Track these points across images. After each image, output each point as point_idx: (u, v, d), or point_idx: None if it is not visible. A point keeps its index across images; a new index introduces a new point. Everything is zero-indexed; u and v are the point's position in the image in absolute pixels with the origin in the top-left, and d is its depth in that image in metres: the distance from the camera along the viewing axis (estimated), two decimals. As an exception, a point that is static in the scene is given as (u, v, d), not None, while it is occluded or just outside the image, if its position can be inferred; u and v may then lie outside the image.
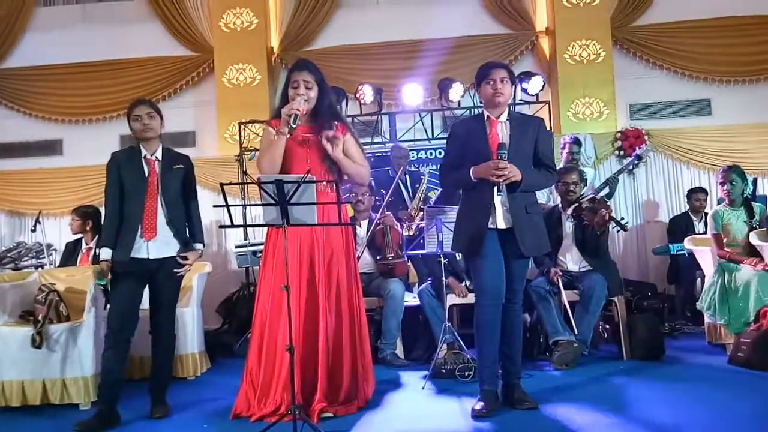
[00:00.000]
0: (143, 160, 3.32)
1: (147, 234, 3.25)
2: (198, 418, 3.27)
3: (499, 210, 3.09)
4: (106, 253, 3.26)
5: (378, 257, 4.62)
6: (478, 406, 3.04)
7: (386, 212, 4.66)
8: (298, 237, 3.18)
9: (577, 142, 5.58)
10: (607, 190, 5.32)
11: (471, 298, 3.87)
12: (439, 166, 3.56)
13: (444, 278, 4.07)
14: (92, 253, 5.00)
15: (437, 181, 4.55)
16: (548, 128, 5.87)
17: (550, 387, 3.50)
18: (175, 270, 3.31)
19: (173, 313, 3.42)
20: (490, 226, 3.09)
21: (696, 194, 5.80)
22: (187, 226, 3.42)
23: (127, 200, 3.29)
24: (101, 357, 3.33)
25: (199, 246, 3.44)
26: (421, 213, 5.01)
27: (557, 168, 4.20)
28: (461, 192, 3.34)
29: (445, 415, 3.12)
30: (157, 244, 3.28)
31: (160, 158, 3.35)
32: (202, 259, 6.09)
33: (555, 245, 4.40)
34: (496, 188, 3.03)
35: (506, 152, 3.01)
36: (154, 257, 3.26)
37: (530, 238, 3.10)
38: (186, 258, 3.34)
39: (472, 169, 3.07)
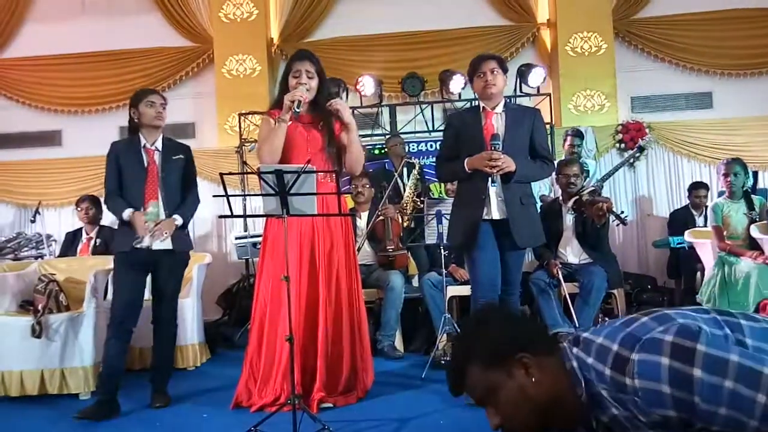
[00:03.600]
0: (142, 149, 3.30)
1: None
2: (198, 407, 3.28)
3: (494, 201, 3.09)
4: (128, 213, 3.20)
5: (378, 249, 4.62)
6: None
7: (387, 204, 4.65)
8: (298, 227, 3.17)
9: (578, 134, 5.55)
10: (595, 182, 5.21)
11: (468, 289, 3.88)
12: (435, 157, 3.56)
13: (445, 269, 4.07)
14: (92, 243, 5.01)
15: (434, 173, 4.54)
16: (549, 120, 5.87)
17: (549, 378, 3.50)
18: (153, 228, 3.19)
19: (175, 304, 3.42)
20: (485, 217, 3.08)
21: (697, 190, 5.67)
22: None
23: (126, 191, 3.26)
24: (103, 347, 3.33)
25: (178, 218, 3.30)
26: (414, 204, 5.01)
27: (557, 160, 4.19)
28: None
29: (444, 406, 3.12)
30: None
31: (159, 148, 3.32)
32: (203, 250, 6.17)
33: (555, 237, 4.40)
34: (490, 179, 3.03)
35: (500, 143, 3.01)
36: (156, 248, 3.24)
37: (525, 229, 3.09)
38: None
39: (466, 160, 3.07)
